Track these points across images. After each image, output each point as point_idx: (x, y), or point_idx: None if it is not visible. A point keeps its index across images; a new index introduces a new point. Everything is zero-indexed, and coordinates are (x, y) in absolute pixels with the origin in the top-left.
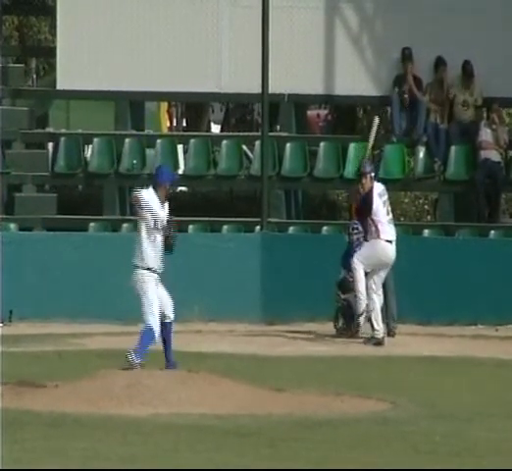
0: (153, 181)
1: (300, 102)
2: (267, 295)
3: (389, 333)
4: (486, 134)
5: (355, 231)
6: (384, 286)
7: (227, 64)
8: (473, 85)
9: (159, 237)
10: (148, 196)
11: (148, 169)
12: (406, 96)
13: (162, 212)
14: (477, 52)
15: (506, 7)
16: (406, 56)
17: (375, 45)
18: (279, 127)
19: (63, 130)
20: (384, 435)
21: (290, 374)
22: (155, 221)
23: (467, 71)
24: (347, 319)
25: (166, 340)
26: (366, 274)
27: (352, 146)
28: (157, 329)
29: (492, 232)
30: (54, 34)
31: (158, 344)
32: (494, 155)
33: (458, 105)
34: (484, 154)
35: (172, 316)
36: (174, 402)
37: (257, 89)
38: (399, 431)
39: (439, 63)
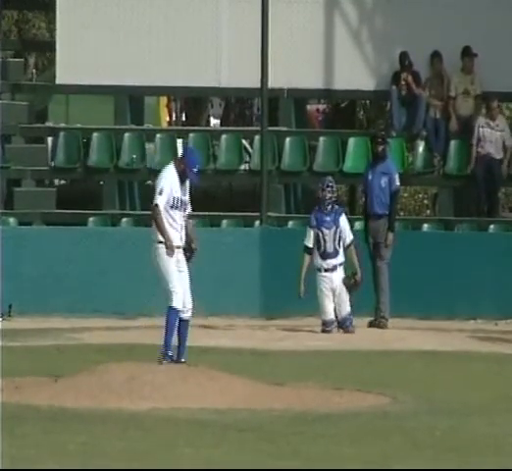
0: (179, 160)
1: (300, 97)
2: (266, 290)
3: (379, 324)
4: (483, 131)
5: (329, 188)
6: (377, 277)
7: (226, 58)
8: (474, 72)
9: (178, 215)
10: (169, 173)
11: (148, 163)
12: (404, 92)
13: (179, 192)
14: (475, 46)
15: (504, 2)
16: (404, 62)
17: (374, 40)
18: (278, 121)
19: (62, 125)
20: (384, 429)
21: (290, 368)
22: (173, 199)
23: (468, 53)
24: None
25: (181, 337)
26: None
27: (352, 141)
28: (180, 307)
29: (492, 226)
30: (52, 29)
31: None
32: (493, 151)
33: (459, 96)
34: (482, 150)
35: (186, 310)
36: (173, 397)
37: (256, 84)
38: (399, 425)
39: (434, 55)
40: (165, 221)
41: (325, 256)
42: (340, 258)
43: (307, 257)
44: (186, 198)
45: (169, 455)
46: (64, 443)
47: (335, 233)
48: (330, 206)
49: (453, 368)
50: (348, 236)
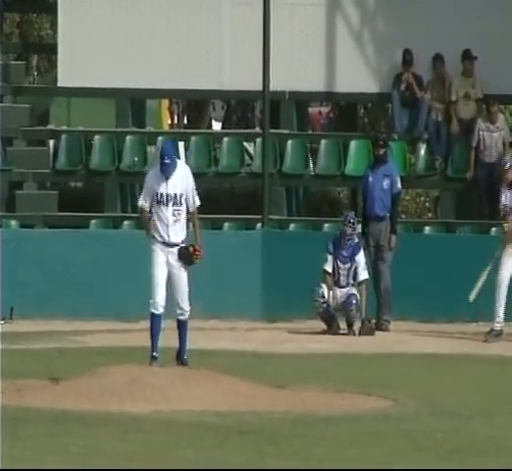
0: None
1: (301, 99)
2: (268, 292)
3: (381, 327)
4: (483, 134)
5: (350, 224)
6: (378, 280)
7: (228, 61)
8: (475, 75)
9: (164, 210)
10: (150, 171)
11: (149, 166)
12: (406, 93)
13: (162, 187)
14: (476, 49)
15: (506, 5)
16: (407, 59)
17: (376, 42)
18: (280, 124)
19: (64, 128)
20: (386, 432)
21: (291, 371)
22: (156, 194)
23: (468, 56)
24: (329, 321)
25: (179, 337)
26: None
27: (353, 143)
28: (157, 311)
29: (493, 229)
30: (55, 31)
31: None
32: (494, 155)
33: (460, 100)
34: (482, 155)
35: (180, 311)
36: (175, 399)
37: (258, 87)
38: (400, 428)
39: (436, 58)
40: (155, 218)
41: (338, 285)
42: (352, 291)
43: (328, 277)
44: (177, 192)
45: (170, 457)
46: (65, 445)
47: (350, 268)
48: (349, 241)
49: (455, 371)
50: (362, 274)
